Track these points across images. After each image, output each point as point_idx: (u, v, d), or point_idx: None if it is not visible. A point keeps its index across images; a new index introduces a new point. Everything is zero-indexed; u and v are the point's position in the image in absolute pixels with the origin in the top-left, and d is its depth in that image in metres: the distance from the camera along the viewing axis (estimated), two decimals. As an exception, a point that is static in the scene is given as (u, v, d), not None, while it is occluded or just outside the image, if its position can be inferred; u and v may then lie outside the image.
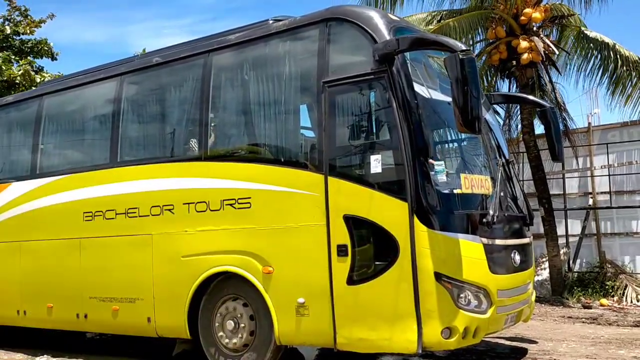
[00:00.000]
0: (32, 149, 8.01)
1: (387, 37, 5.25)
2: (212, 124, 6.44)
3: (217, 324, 6.02)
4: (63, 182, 7.41)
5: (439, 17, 12.02)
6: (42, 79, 14.38)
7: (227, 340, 5.94)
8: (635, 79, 11.24)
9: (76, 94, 7.80)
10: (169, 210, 6.36)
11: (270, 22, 6.25)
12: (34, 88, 12.42)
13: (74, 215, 7.15)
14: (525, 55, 10.74)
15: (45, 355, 7.24)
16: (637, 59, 11.16)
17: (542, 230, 11.18)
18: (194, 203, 6.19)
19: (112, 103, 7.22)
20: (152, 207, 6.49)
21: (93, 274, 6.94)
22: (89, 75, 7.75)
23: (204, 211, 6.10)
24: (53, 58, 16.09)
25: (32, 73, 14.61)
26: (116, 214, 6.78)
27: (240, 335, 5.87)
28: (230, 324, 5.92)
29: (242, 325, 5.87)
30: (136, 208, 6.62)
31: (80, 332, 7.91)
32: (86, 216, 7.04)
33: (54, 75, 14.80)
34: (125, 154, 7.12)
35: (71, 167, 7.53)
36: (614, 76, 11.26)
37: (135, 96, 7.24)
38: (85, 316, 6.98)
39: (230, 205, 5.93)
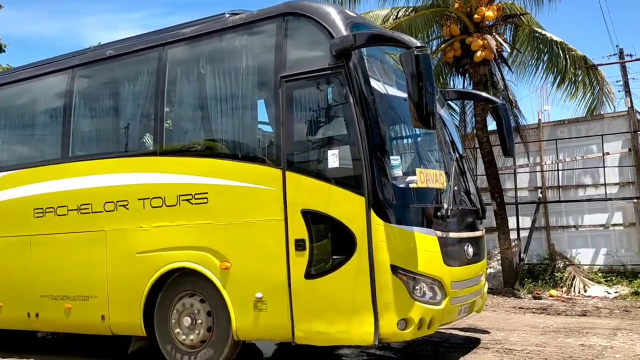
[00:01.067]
0: (-22, 144, 7.73)
1: (344, 33, 5.29)
2: (168, 119, 6.35)
3: (173, 321, 5.96)
4: (12, 177, 7.19)
5: (395, 14, 12.15)
6: (-12, 71, 13.86)
7: (184, 337, 5.90)
8: (581, 76, 11.64)
9: (26, 87, 7.56)
10: (124, 206, 6.25)
11: (227, 15, 6.20)
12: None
13: (24, 212, 6.94)
14: (478, 53, 10.98)
15: (-7, 357, 7.03)
16: (580, 56, 11.56)
17: (494, 224, 11.46)
18: (149, 199, 6.10)
19: (63, 97, 7.04)
20: (106, 202, 6.36)
21: (44, 272, 6.76)
22: (40, 68, 7.53)
23: (160, 207, 6.02)
24: (1, 50, 15.54)
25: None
26: (68, 210, 6.62)
27: (197, 332, 5.83)
28: (187, 321, 5.87)
29: (199, 321, 5.82)
30: (89, 204, 6.48)
31: (31, 331, 7.69)
32: (37, 213, 6.84)
33: (3, 68, 14.28)
34: (77, 148, 6.96)
35: (21, 162, 7.31)
36: (562, 73, 11.63)
37: (87, 90, 7.07)
38: (37, 315, 6.79)
39: (187, 200, 5.88)
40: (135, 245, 6.13)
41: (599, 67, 12.09)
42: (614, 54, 13.21)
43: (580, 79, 11.72)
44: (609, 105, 12.10)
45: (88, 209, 6.48)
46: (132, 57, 6.68)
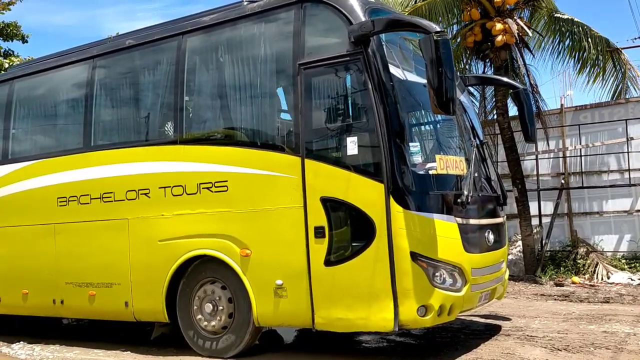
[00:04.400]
0: (3, 134, 7.86)
1: (362, 19, 5.26)
2: (187, 108, 6.39)
3: (195, 307, 6.04)
4: (36, 167, 7.31)
5: (413, 1, 12.02)
6: (10, 63, 14.05)
7: (205, 323, 5.97)
8: (605, 59, 11.41)
9: (48, 77, 7.66)
10: (145, 194, 6.32)
11: (245, 3, 6.20)
12: (3, 72, 12.13)
13: (48, 201, 7.06)
14: (499, 38, 10.81)
15: (21, 342, 7.18)
16: (603, 39, 11.32)
17: (515, 210, 11.36)
18: (170, 187, 6.16)
19: (84, 87, 7.11)
20: (128, 191, 6.44)
21: (69, 259, 6.88)
22: (61, 59, 7.62)
23: (181, 195, 6.08)
24: (24, 41, 15.74)
25: (0, 58, 14.28)
26: (91, 198, 6.72)
27: (218, 318, 5.90)
28: (208, 307, 5.95)
29: (221, 307, 5.89)
30: (111, 192, 6.56)
31: (56, 318, 7.85)
32: (60, 201, 6.96)
33: (23, 60, 14.47)
34: (99, 138, 7.05)
35: (44, 152, 7.42)
36: (585, 57, 11.42)
37: (108, 79, 7.13)
38: (62, 302, 6.93)
39: (207, 188, 5.92)
40: (157, 233, 6.20)
41: (622, 50, 11.84)
42: (638, 37, 12.92)
43: (603, 62, 11.48)
44: (635, 89, 11.86)
45: (110, 197, 6.57)
46: (151, 46, 6.72)
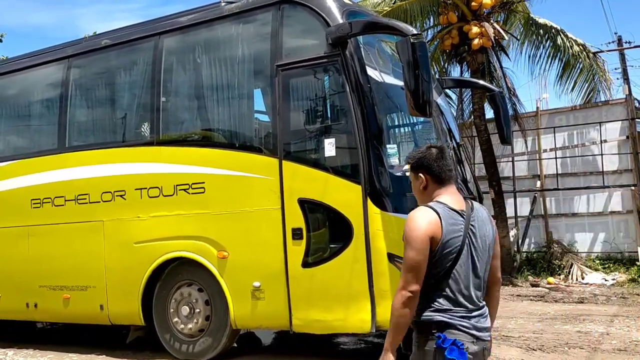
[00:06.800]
0: (-25, 135, 7.71)
1: (340, 21, 5.27)
2: (164, 109, 6.33)
3: (172, 310, 5.98)
4: (9, 168, 7.18)
5: (392, 1, 12.09)
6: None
7: (182, 326, 5.92)
8: (582, 64, 11.60)
9: (22, 77, 7.53)
10: (121, 196, 6.25)
11: (223, 4, 6.17)
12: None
13: (21, 203, 6.93)
14: (476, 41, 10.91)
15: (-7, 347, 7.05)
16: (582, 43, 11.52)
17: (492, 212, 11.47)
18: (146, 188, 6.09)
19: (59, 87, 7.01)
20: (103, 193, 6.36)
21: (43, 262, 6.76)
22: (35, 58, 7.49)
23: (157, 197, 6.02)
24: (-1, 40, 15.48)
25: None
26: (65, 200, 6.62)
27: (195, 321, 5.85)
28: (185, 310, 5.89)
29: (198, 310, 5.85)
30: (86, 194, 6.47)
31: (30, 322, 7.72)
32: (34, 203, 6.84)
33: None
34: (74, 139, 6.95)
35: (18, 153, 7.29)
36: (563, 61, 11.59)
37: (83, 80, 7.04)
38: (35, 305, 6.81)
39: (184, 190, 5.88)
40: (132, 235, 6.13)
41: (598, 55, 12.05)
42: (612, 42, 13.19)
43: (580, 66, 11.66)
44: (605, 93, 12.08)
45: (85, 199, 6.48)
46: (128, 46, 6.65)
